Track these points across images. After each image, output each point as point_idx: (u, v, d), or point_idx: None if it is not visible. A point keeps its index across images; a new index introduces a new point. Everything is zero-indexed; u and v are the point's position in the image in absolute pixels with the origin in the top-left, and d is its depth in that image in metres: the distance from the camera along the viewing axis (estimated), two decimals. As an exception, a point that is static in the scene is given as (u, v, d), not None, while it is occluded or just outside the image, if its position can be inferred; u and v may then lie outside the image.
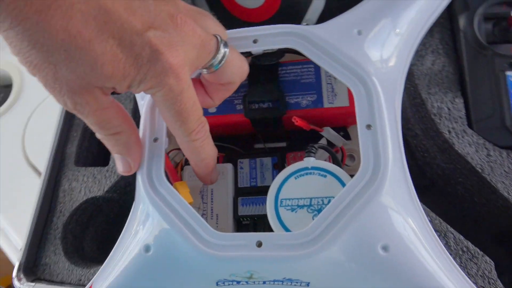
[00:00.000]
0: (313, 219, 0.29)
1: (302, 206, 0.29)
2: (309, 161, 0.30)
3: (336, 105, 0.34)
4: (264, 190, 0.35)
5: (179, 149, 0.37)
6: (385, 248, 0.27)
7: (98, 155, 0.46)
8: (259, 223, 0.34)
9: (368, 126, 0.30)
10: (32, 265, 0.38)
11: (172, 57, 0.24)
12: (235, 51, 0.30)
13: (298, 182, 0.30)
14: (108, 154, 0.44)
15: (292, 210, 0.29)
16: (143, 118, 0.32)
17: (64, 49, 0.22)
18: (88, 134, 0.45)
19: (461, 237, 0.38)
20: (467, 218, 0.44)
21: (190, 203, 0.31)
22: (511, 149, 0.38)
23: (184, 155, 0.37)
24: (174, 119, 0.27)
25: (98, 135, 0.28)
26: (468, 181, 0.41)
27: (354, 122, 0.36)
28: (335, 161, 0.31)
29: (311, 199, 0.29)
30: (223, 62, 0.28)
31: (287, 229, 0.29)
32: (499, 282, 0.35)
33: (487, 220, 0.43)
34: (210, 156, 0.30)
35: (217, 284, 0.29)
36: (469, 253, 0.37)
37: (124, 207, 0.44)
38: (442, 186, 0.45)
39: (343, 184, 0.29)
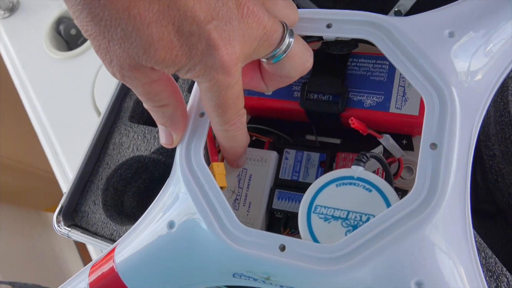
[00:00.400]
0: (345, 234, 0.26)
1: (337, 218, 0.26)
2: (357, 170, 0.27)
3: (403, 112, 0.30)
4: (304, 187, 0.32)
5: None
6: (419, 285, 0.24)
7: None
8: (292, 221, 0.32)
9: (433, 145, 0.26)
10: (72, 211, 0.40)
11: (228, 54, 0.23)
12: (301, 43, 0.27)
13: (339, 190, 0.27)
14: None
15: (326, 219, 0.27)
16: (194, 91, 0.31)
17: (122, 28, 0.22)
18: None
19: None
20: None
21: (223, 188, 0.30)
22: None
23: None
24: (212, 109, 0.26)
25: (145, 105, 0.28)
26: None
27: (420, 133, 0.32)
28: (387, 176, 0.28)
29: (348, 212, 0.26)
30: (284, 55, 0.26)
31: (315, 239, 0.26)
32: None
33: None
34: (240, 145, 0.29)
35: (233, 276, 0.28)
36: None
37: (169, 169, 0.44)
38: (510, 218, 0.40)
39: (388, 204, 0.26)
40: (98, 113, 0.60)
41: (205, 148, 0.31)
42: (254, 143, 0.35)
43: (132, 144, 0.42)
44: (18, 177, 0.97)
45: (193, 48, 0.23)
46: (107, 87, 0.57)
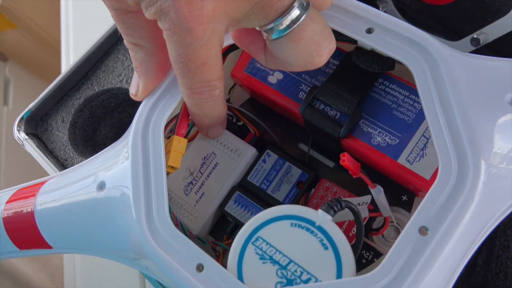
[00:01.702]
0: (275, 286, 0.21)
1: (275, 262, 0.22)
2: (322, 218, 0.22)
3: (413, 169, 0.23)
4: (268, 202, 0.27)
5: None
6: None
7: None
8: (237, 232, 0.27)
9: (424, 229, 0.20)
10: (39, 119, 0.36)
11: (188, 7, 0.18)
12: (318, 26, 0.20)
13: (291, 231, 0.22)
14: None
15: (262, 258, 0.22)
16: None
17: None
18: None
19: None
20: None
21: (174, 168, 0.25)
22: None
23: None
24: (173, 65, 0.21)
25: (122, 34, 0.24)
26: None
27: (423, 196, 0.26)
28: (357, 237, 0.22)
29: (290, 261, 0.21)
30: (285, 33, 0.20)
31: (240, 275, 0.22)
32: None
33: None
34: (208, 116, 0.25)
35: (136, 264, 0.24)
36: None
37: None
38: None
39: (339, 275, 0.21)
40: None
41: (177, 116, 0.26)
42: (238, 130, 0.30)
43: (124, 74, 0.37)
44: (33, 42, 0.95)
45: None
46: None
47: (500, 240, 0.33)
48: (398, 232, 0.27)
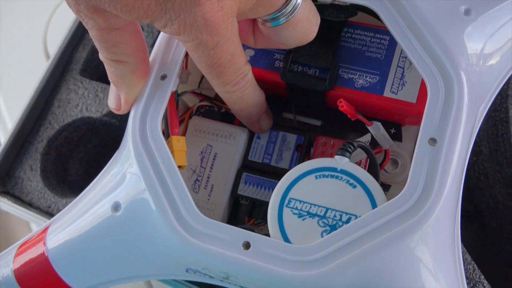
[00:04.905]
0: (321, 235, 0.22)
1: (313, 215, 0.23)
2: (341, 162, 0.23)
3: (399, 98, 0.26)
4: (276, 173, 0.28)
5: (192, 91, 0.30)
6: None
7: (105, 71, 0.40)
8: (258, 210, 0.28)
9: (432, 141, 0.22)
10: (4, 175, 0.34)
11: (212, 10, 0.19)
12: (309, 8, 0.22)
13: (318, 183, 0.23)
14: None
15: (300, 216, 0.23)
16: (155, 49, 0.26)
17: None
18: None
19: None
20: (500, 263, 0.37)
21: (182, 167, 0.25)
22: None
23: (199, 101, 0.31)
24: (205, 71, 0.22)
25: (100, 55, 0.23)
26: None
27: (413, 123, 0.28)
28: (373, 170, 0.24)
29: (327, 209, 0.23)
30: (285, 20, 0.21)
31: (286, 238, 0.22)
32: None
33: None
34: (252, 105, 0.25)
35: (187, 271, 0.24)
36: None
37: (123, 135, 0.39)
38: (486, 219, 0.38)
39: (374, 205, 0.22)
40: (47, 57, 0.52)
41: (165, 118, 0.26)
42: (223, 117, 0.30)
43: (81, 102, 0.36)
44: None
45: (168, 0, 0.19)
46: (61, 31, 0.50)
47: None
48: (396, 163, 0.29)
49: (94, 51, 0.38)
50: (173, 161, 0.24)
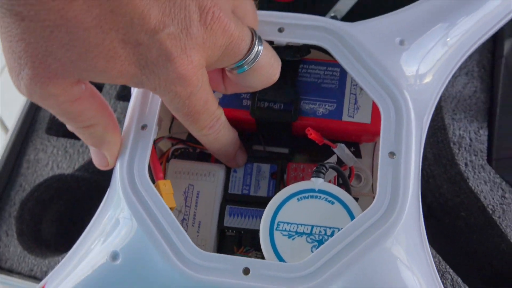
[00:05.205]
0: (311, 250, 0.25)
1: (301, 234, 0.25)
2: (317, 182, 0.26)
3: (356, 120, 0.29)
4: (256, 201, 0.30)
5: (169, 137, 0.32)
6: (387, 298, 0.24)
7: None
8: (245, 238, 0.30)
9: (391, 154, 0.26)
10: (-21, 243, 0.33)
11: (183, 65, 0.20)
12: (270, 54, 0.25)
13: (300, 204, 0.26)
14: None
15: (290, 236, 0.25)
16: (133, 101, 0.27)
17: (51, 30, 0.18)
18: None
19: (459, 280, 0.35)
20: (459, 252, 0.42)
21: (172, 208, 0.27)
22: (530, 195, 0.35)
23: (172, 145, 0.32)
24: (182, 119, 0.24)
25: (68, 127, 0.24)
26: (472, 217, 0.38)
27: (368, 140, 0.32)
28: (345, 186, 0.27)
29: (312, 226, 0.25)
30: (249, 67, 0.24)
31: (280, 258, 0.25)
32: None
33: (482, 259, 0.40)
34: (228, 144, 0.28)
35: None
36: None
37: (95, 188, 0.39)
38: (440, 216, 0.42)
39: (352, 216, 0.25)
40: (5, 129, 0.52)
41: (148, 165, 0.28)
42: (199, 156, 0.32)
43: (51, 160, 0.36)
44: None
45: (142, 58, 0.20)
46: (14, 93, 0.50)
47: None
48: (359, 177, 0.33)
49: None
50: (164, 203, 0.25)
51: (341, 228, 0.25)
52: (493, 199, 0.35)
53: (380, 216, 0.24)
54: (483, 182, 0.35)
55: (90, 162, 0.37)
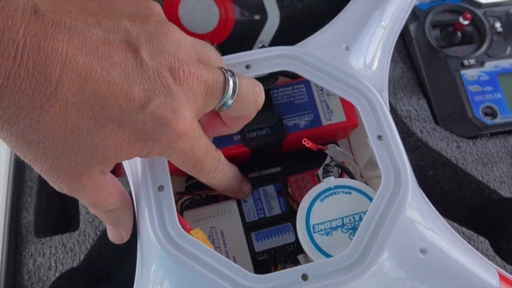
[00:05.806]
0: (349, 238, 0.28)
1: (335, 228, 0.28)
2: (330, 181, 0.29)
3: (334, 121, 0.33)
4: (274, 220, 0.33)
5: (179, 193, 0.33)
6: (423, 251, 0.27)
7: (60, 219, 0.40)
8: (280, 256, 0.32)
9: (379, 137, 0.30)
10: None
11: (178, 124, 0.23)
12: (246, 81, 0.27)
13: (324, 204, 0.29)
14: (74, 215, 0.38)
15: (327, 234, 0.28)
16: (142, 168, 0.28)
17: (62, 143, 0.21)
18: (44, 196, 0.39)
19: (455, 224, 0.40)
20: (437, 207, 0.47)
21: (212, 250, 0.28)
22: (477, 138, 0.42)
23: (178, 199, 0.34)
24: (190, 170, 0.27)
25: (91, 211, 0.27)
26: (439, 172, 0.44)
27: (343, 136, 0.37)
28: (349, 176, 0.31)
29: (342, 218, 0.28)
30: (233, 100, 0.26)
31: (327, 255, 0.27)
32: (497, 257, 0.38)
33: (456, 205, 0.46)
34: (232, 179, 0.30)
35: None
36: (465, 237, 0.39)
37: (106, 273, 0.38)
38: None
39: (370, 198, 0.29)
40: None
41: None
42: (210, 199, 0.34)
43: (52, 261, 0.35)
44: None
45: (141, 132, 0.23)
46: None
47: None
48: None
49: (38, 210, 0.38)
50: (208, 247, 0.26)
51: (366, 211, 0.28)
52: (452, 151, 0.41)
53: (393, 188, 0.28)
54: (440, 140, 0.41)
55: (92, 248, 0.36)
